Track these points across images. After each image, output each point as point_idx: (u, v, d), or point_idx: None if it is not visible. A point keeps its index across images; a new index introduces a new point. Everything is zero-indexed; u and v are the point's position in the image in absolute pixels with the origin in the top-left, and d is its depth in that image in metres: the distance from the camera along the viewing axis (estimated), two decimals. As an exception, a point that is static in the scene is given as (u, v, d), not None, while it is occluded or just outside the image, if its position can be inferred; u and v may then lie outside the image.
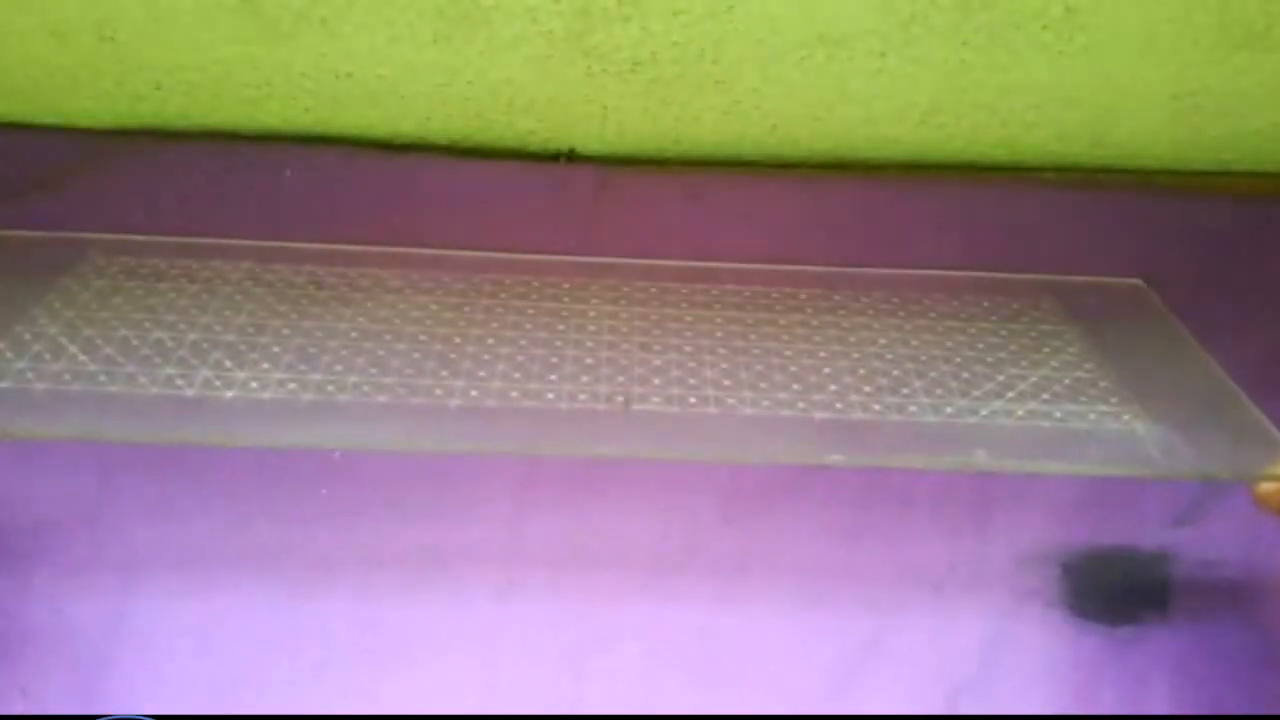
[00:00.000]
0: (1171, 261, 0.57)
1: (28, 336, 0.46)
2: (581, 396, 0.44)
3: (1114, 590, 0.45)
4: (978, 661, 0.43)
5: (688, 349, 0.48)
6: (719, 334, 0.50)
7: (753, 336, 0.49)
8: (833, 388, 0.46)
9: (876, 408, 0.45)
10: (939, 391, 0.46)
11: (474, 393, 0.44)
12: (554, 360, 0.47)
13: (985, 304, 0.53)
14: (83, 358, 0.45)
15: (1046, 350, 0.50)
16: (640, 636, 0.45)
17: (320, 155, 0.61)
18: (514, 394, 0.44)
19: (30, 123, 0.63)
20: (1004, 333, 0.51)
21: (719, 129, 0.63)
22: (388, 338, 0.48)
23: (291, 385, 0.44)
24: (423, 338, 0.48)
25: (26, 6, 0.55)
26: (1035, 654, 0.44)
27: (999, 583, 0.45)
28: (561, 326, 0.49)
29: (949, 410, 0.45)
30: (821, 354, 0.48)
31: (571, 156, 0.65)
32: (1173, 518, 0.46)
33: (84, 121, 0.63)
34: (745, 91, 0.59)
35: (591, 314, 0.50)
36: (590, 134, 0.63)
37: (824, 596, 0.45)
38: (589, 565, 0.46)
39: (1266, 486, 0.35)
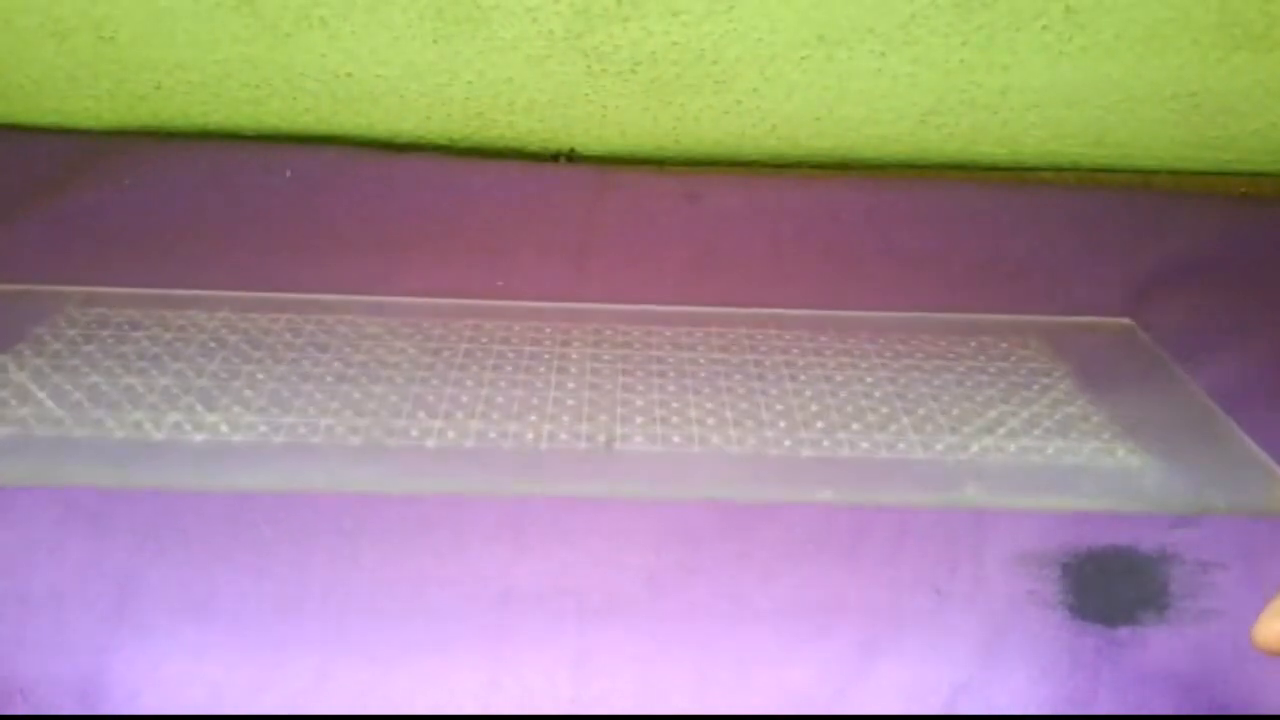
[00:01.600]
0: (1170, 260, 0.57)
1: None
2: (563, 436, 0.44)
3: (1113, 591, 0.45)
4: (978, 662, 0.44)
5: (671, 389, 0.48)
6: (703, 374, 0.49)
7: (737, 377, 0.49)
8: (820, 425, 0.46)
9: (865, 445, 0.44)
10: (929, 428, 0.46)
11: (451, 434, 0.44)
12: (534, 402, 0.46)
13: (973, 343, 0.53)
14: (50, 404, 0.44)
15: (1036, 388, 0.49)
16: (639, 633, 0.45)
17: (320, 155, 0.61)
18: (492, 435, 0.44)
19: (30, 123, 0.64)
20: (992, 370, 0.51)
21: (719, 129, 0.63)
22: (364, 380, 0.47)
23: (262, 429, 0.43)
24: (399, 380, 0.47)
25: (26, 6, 0.55)
26: (1034, 654, 0.44)
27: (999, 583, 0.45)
28: (543, 369, 0.49)
29: (939, 447, 0.44)
30: (808, 393, 0.48)
31: (571, 156, 0.65)
32: (1171, 519, 0.46)
33: (84, 122, 0.63)
34: (745, 91, 0.59)
35: (574, 355, 0.50)
36: (590, 134, 0.63)
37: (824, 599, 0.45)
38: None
39: (1265, 632, 0.35)
